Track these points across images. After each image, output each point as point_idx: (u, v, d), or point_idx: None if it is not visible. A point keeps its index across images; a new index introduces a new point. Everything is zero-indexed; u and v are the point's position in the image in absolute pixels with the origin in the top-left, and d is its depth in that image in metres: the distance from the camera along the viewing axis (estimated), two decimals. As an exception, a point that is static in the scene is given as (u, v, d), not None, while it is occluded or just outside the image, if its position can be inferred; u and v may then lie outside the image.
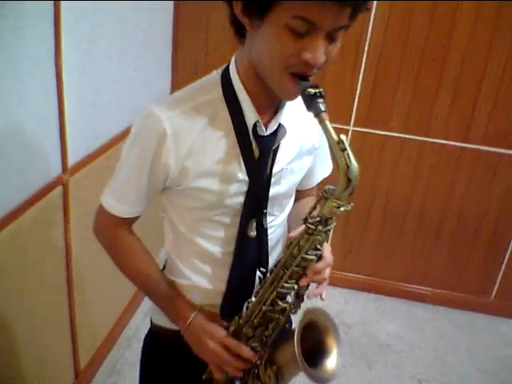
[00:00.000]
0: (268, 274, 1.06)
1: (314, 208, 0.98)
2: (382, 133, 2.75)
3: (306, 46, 0.87)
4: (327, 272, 1.07)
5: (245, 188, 1.04)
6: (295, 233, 1.02)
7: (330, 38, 0.89)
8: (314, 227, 0.96)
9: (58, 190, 1.75)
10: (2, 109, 1.41)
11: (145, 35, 2.32)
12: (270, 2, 0.84)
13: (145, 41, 2.33)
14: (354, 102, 2.71)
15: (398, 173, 2.84)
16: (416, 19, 2.51)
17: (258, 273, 1.13)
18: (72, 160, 1.81)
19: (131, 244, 1.15)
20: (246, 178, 1.03)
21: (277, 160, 1.06)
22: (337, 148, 0.86)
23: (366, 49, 2.60)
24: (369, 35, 2.56)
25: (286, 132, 1.05)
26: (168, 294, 1.14)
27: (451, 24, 2.48)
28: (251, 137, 1.02)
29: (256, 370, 1.11)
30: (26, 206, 1.57)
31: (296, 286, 1.03)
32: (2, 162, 1.45)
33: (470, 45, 2.51)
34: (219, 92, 1.02)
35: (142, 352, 1.32)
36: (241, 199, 1.05)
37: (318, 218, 0.95)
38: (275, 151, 1.06)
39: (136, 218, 1.13)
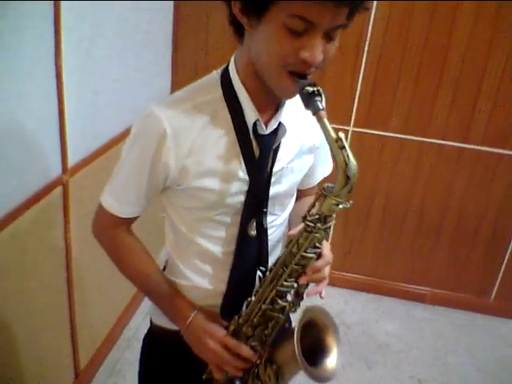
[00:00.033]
0: (267, 273, 1.06)
1: (313, 206, 0.98)
2: (382, 133, 2.76)
3: (304, 44, 0.87)
4: (327, 270, 1.08)
5: (245, 187, 1.04)
6: (294, 231, 1.02)
7: (328, 37, 0.89)
8: (313, 225, 0.96)
9: (58, 190, 1.75)
10: (2, 109, 1.41)
11: (145, 35, 2.32)
12: (268, 2, 0.85)
13: (145, 41, 2.33)
14: (353, 102, 2.71)
15: (397, 173, 2.84)
16: (416, 19, 2.51)
17: (258, 272, 1.13)
18: (72, 160, 1.81)
19: (130, 244, 1.15)
20: (247, 178, 1.03)
21: (277, 159, 1.07)
22: (335, 146, 0.86)
23: (365, 49, 2.60)
24: (369, 35, 2.57)
25: (286, 131, 1.05)
26: (168, 294, 1.14)
27: (451, 24, 2.49)
28: (251, 136, 1.02)
29: (256, 370, 1.11)
30: (26, 206, 1.57)
31: (295, 285, 1.03)
32: (2, 162, 1.45)
33: (470, 45, 2.51)
34: (219, 91, 1.02)
35: (142, 352, 1.32)
36: (241, 198, 1.05)
37: (316, 216, 0.96)
38: (276, 150, 1.06)
39: (135, 218, 1.13)
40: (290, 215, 1.22)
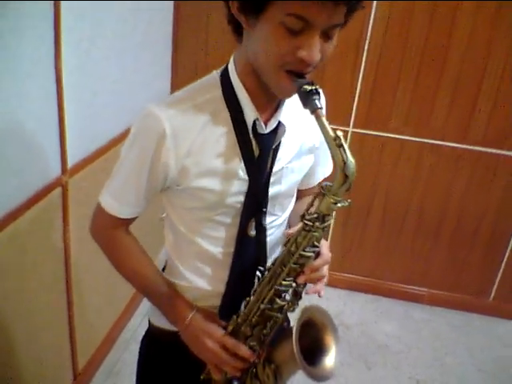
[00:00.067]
0: (266, 272, 1.06)
1: (311, 205, 0.98)
2: (382, 134, 2.76)
3: (302, 43, 0.87)
4: (325, 269, 1.08)
5: (245, 187, 1.04)
6: (293, 230, 1.02)
7: (326, 36, 0.89)
8: (311, 224, 0.96)
9: (58, 191, 1.75)
10: (2, 109, 1.41)
11: (144, 36, 2.33)
12: (265, 1, 0.85)
13: (144, 42, 2.34)
14: (353, 103, 2.71)
15: (397, 174, 2.84)
16: (416, 19, 2.51)
17: (257, 272, 1.13)
18: (71, 161, 1.81)
19: (129, 245, 1.15)
20: (246, 177, 1.03)
21: (277, 159, 1.07)
22: (333, 144, 0.87)
23: (365, 49, 2.60)
24: (368, 35, 2.57)
25: (285, 130, 1.05)
26: (166, 295, 1.14)
27: (451, 24, 2.49)
28: (251, 135, 1.02)
29: (254, 369, 1.11)
30: (26, 206, 1.57)
31: (294, 284, 1.03)
32: (1, 162, 1.45)
33: (470, 45, 2.51)
34: (218, 91, 1.02)
35: (140, 353, 1.32)
36: (241, 199, 1.05)
37: (315, 215, 0.96)
38: (275, 150, 1.06)
39: (134, 219, 1.13)
40: (290, 215, 1.22)
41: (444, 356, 2.70)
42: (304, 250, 0.99)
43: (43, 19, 1.53)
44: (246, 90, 1.00)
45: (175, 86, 2.81)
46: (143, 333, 1.32)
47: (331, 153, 0.88)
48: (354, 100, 2.70)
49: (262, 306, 1.04)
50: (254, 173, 1.03)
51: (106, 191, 1.10)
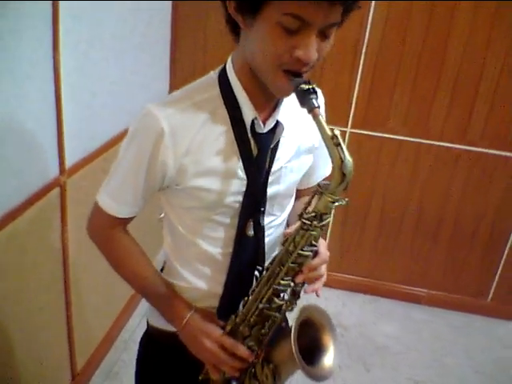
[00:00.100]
0: (264, 272, 1.06)
1: (309, 204, 0.98)
2: (380, 134, 2.76)
3: (298, 43, 0.87)
4: (323, 268, 1.08)
5: (244, 187, 1.04)
6: (290, 229, 1.02)
7: (323, 35, 0.90)
8: (309, 223, 0.96)
9: (56, 191, 1.75)
10: (0, 110, 1.42)
11: (143, 37, 2.33)
12: (262, 0, 0.85)
13: (142, 43, 2.34)
14: (351, 103, 2.72)
15: (395, 174, 2.84)
16: (414, 21, 2.52)
17: (255, 272, 1.13)
18: (69, 162, 1.81)
19: (127, 245, 1.15)
20: (245, 177, 1.03)
21: (276, 158, 1.07)
22: (331, 143, 0.87)
23: (363, 50, 2.61)
24: (366, 37, 2.57)
25: (283, 129, 1.05)
26: (164, 295, 1.14)
27: (449, 26, 2.50)
28: (249, 134, 1.02)
29: (253, 369, 1.11)
30: (24, 207, 1.57)
31: (292, 283, 1.03)
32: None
33: (468, 46, 2.52)
34: (216, 91, 1.02)
35: (138, 354, 1.32)
36: (240, 198, 1.05)
37: (313, 214, 0.96)
38: (274, 149, 1.06)
39: (131, 219, 1.13)
40: (289, 214, 1.22)
41: (443, 357, 2.69)
42: (302, 249, 0.99)
43: (42, 20, 1.53)
44: (244, 89, 1.00)
45: (174, 86, 2.81)
46: (142, 333, 1.32)
47: (329, 151, 0.88)
48: (352, 100, 2.71)
49: (261, 306, 1.04)
50: (253, 172, 1.03)
51: (103, 190, 1.09)
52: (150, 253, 1.19)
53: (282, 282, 1.02)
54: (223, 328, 1.10)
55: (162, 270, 1.23)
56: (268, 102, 1.03)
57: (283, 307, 1.06)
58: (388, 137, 2.76)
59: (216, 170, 1.02)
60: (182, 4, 2.66)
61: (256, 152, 1.03)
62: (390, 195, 2.90)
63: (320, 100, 1.13)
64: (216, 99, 1.02)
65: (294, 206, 1.23)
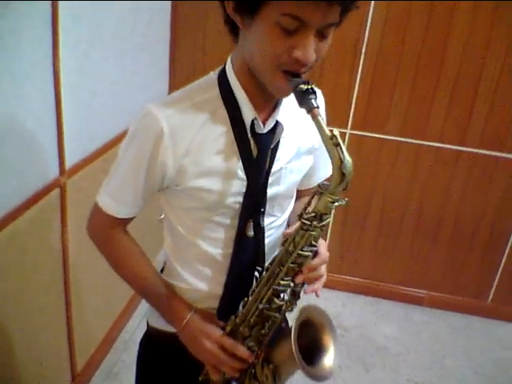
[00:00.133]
0: (264, 272, 1.06)
1: (309, 204, 0.98)
2: (379, 136, 2.76)
3: (297, 43, 0.87)
4: (323, 268, 1.08)
5: (244, 187, 1.04)
6: (290, 229, 1.02)
7: (321, 35, 0.90)
8: (309, 223, 0.96)
9: (56, 192, 1.75)
10: (0, 110, 1.42)
11: (142, 37, 2.33)
12: (260, 1, 0.85)
13: (142, 43, 2.34)
14: (351, 105, 2.72)
15: (394, 176, 2.85)
16: (413, 22, 2.52)
17: (255, 273, 1.13)
18: (69, 162, 1.81)
19: (127, 245, 1.15)
20: (245, 177, 1.03)
21: (276, 159, 1.07)
22: (330, 143, 0.87)
23: (363, 52, 2.61)
24: (366, 38, 2.58)
25: (283, 129, 1.05)
26: (164, 296, 1.13)
27: (448, 27, 2.50)
28: (249, 135, 1.02)
29: (253, 370, 1.11)
30: (24, 207, 1.57)
31: (292, 284, 1.03)
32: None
33: (467, 48, 2.52)
34: (216, 91, 1.02)
35: (138, 355, 1.32)
36: (240, 199, 1.05)
37: (313, 214, 0.96)
38: (274, 150, 1.06)
39: (131, 219, 1.13)
40: (289, 215, 1.22)
41: (443, 358, 2.69)
42: (302, 250, 0.99)
43: (42, 20, 1.53)
44: (244, 89, 1.01)
45: (173, 86, 2.81)
46: (142, 334, 1.32)
47: (328, 152, 0.88)
48: (351, 102, 2.71)
49: (261, 306, 1.04)
50: (253, 173, 1.03)
51: (103, 191, 1.10)
52: (150, 253, 1.19)
53: (282, 282, 1.02)
54: (223, 329, 1.10)
55: (161, 270, 1.23)
56: (267, 103, 1.03)
57: (283, 307, 1.06)
58: (388, 138, 2.76)
59: (216, 170, 1.02)
60: (182, 4, 2.66)
61: (256, 152, 1.03)
62: (389, 196, 2.90)
63: (320, 100, 1.14)
64: (216, 100, 1.02)
65: (294, 206, 1.23)
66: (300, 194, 1.26)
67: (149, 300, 1.18)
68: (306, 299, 1.08)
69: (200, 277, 1.15)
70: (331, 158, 0.88)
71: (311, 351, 1.05)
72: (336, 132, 0.86)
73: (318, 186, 0.95)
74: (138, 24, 2.25)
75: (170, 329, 1.15)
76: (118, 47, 2.08)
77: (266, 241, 1.13)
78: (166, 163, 1.00)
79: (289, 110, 1.07)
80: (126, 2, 2.07)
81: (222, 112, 1.01)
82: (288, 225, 1.21)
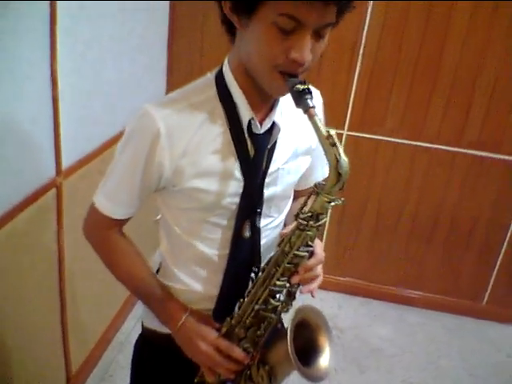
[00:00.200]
0: (260, 273, 1.06)
1: (305, 204, 0.99)
2: (376, 137, 2.77)
3: (293, 44, 0.88)
4: (319, 269, 1.08)
5: (241, 188, 1.04)
6: (287, 229, 1.02)
7: (318, 35, 0.90)
8: (305, 223, 0.97)
9: (52, 192, 1.74)
10: (-2, 110, 1.42)
11: (140, 39, 2.33)
12: (257, 1, 0.86)
13: (139, 44, 2.34)
14: (348, 106, 2.72)
15: (391, 177, 2.85)
16: (411, 24, 2.53)
17: (251, 274, 1.13)
18: (66, 163, 1.80)
19: (123, 246, 1.15)
20: (242, 178, 1.03)
21: (273, 160, 1.07)
22: (326, 143, 0.87)
23: (360, 54, 2.61)
24: (364, 39, 2.58)
25: (280, 130, 1.06)
26: (159, 296, 1.13)
27: (445, 29, 2.51)
28: (246, 135, 1.02)
29: (248, 371, 1.11)
30: (20, 208, 1.56)
31: (288, 284, 1.03)
32: (-4, 163, 1.45)
33: (465, 50, 2.53)
34: (213, 91, 1.02)
35: (133, 355, 1.32)
36: (237, 200, 1.05)
37: (309, 214, 0.96)
38: (271, 150, 1.06)
39: (127, 220, 1.13)
40: (286, 216, 1.22)
41: (438, 359, 2.70)
42: (298, 250, 0.99)
43: (40, 21, 1.53)
44: (241, 89, 1.01)
45: (171, 87, 2.80)
46: (137, 335, 1.32)
47: (324, 151, 0.88)
48: (348, 103, 2.71)
49: (257, 307, 1.04)
50: (250, 173, 1.04)
51: (99, 191, 1.10)
52: (145, 254, 1.19)
53: (278, 282, 1.02)
54: (219, 330, 1.10)
55: (157, 271, 1.23)
56: (264, 103, 1.04)
57: (279, 308, 1.06)
58: (384, 139, 2.76)
59: (213, 170, 1.02)
60: (180, 4, 2.66)
61: (253, 153, 1.03)
62: (386, 197, 2.91)
63: (317, 101, 1.14)
64: (213, 100, 1.02)
65: (291, 206, 1.22)
66: (297, 195, 1.26)
67: (144, 301, 1.17)
68: (301, 300, 1.08)
69: (196, 278, 1.15)
70: (327, 157, 0.88)
71: (307, 352, 1.05)
72: (332, 132, 0.87)
73: (315, 185, 0.95)
74: (135, 25, 2.25)
75: (165, 330, 1.14)
76: (115, 48, 2.08)
77: (263, 242, 1.13)
78: (162, 164, 1.00)
79: (286, 110, 1.07)
80: (123, 2, 2.07)
81: (219, 112, 1.01)
82: (284, 225, 1.21)
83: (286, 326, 1.04)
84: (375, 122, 2.74)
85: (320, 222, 0.97)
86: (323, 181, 0.93)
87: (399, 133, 2.74)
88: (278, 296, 1.06)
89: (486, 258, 2.95)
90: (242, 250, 1.11)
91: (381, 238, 3.01)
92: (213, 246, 1.11)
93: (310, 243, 1.00)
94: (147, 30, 2.42)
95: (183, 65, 2.78)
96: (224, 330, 1.10)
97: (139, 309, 1.43)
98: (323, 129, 0.88)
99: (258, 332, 1.07)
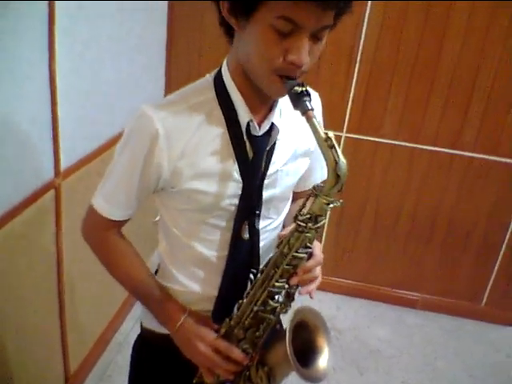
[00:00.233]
0: (259, 274, 1.06)
1: (304, 205, 0.99)
2: (375, 139, 2.77)
3: (291, 46, 0.88)
4: (318, 270, 1.08)
5: (239, 189, 1.04)
6: (285, 231, 1.02)
7: (315, 38, 0.90)
8: (304, 224, 0.97)
9: (51, 193, 1.74)
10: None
11: (139, 39, 2.33)
12: (256, 2, 0.86)
13: (138, 44, 2.34)
14: (346, 108, 2.73)
15: (389, 179, 2.86)
16: (409, 26, 2.53)
17: (250, 275, 1.13)
18: (65, 164, 1.80)
19: (121, 247, 1.15)
20: (241, 179, 1.03)
21: (272, 161, 1.07)
22: (325, 145, 0.87)
23: (358, 56, 2.62)
24: (361, 43, 2.59)
25: (278, 131, 1.06)
26: (158, 297, 1.13)
27: (443, 31, 2.51)
28: (245, 137, 1.02)
29: (247, 372, 1.11)
30: (18, 209, 1.56)
31: (287, 286, 1.03)
32: (-7, 164, 1.45)
33: (462, 52, 2.53)
34: (212, 93, 1.02)
35: (132, 356, 1.31)
36: (235, 201, 1.05)
37: (308, 215, 0.96)
38: (270, 152, 1.06)
39: (126, 221, 1.13)
40: (285, 217, 1.22)
41: (435, 361, 2.70)
42: (297, 251, 0.99)
43: (39, 21, 1.53)
44: (239, 91, 1.01)
45: (169, 88, 2.81)
46: (135, 336, 1.31)
47: (323, 153, 0.88)
48: (347, 105, 2.72)
49: (255, 308, 1.04)
50: (248, 175, 1.04)
51: (98, 193, 1.10)
52: (144, 255, 1.19)
53: (277, 284, 1.02)
54: (217, 331, 1.10)
55: (155, 272, 1.23)
56: (263, 104, 1.04)
57: (278, 309, 1.06)
58: (383, 141, 2.77)
59: (212, 172, 1.02)
60: (178, 4, 2.66)
61: (252, 155, 1.03)
62: (384, 199, 2.91)
63: (316, 103, 1.14)
64: (211, 102, 1.02)
65: (289, 208, 1.23)
66: (296, 196, 1.26)
67: (142, 302, 1.17)
68: (300, 301, 1.08)
69: (194, 279, 1.15)
70: (326, 159, 0.88)
71: (305, 353, 1.05)
72: (331, 134, 0.87)
73: (313, 187, 0.95)
74: (134, 25, 2.25)
75: (163, 330, 1.14)
76: (114, 48, 2.08)
77: (262, 243, 1.13)
78: (161, 165, 1.00)
79: (285, 112, 1.07)
80: (122, 2, 2.07)
81: (218, 114, 1.01)
82: (283, 226, 1.22)
83: (284, 327, 1.04)
84: (373, 124, 2.74)
85: (319, 224, 0.97)
86: (322, 183, 0.94)
87: (397, 135, 2.75)
88: (276, 297, 1.06)
89: (484, 260, 2.95)
90: (241, 251, 1.11)
91: (379, 239, 3.01)
92: (211, 247, 1.11)
93: (308, 245, 1.00)
94: (146, 30, 2.42)
95: (182, 65, 2.78)
96: (223, 330, 1.09)
97: (138, 309, 1.44)
98: (321, 131, 0.88)
99: (257, 333, 1.07)
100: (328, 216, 0.98)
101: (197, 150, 1.00)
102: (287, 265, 1.01)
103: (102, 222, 1.10)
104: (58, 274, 1.87)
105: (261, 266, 1.10)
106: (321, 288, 1.11)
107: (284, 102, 1.03)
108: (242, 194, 1.05)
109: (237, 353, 1.07)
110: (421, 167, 2.80)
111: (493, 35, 2.48)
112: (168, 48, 2.75)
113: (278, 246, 1.02)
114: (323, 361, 1.05)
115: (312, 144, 1.14)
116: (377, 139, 2.77)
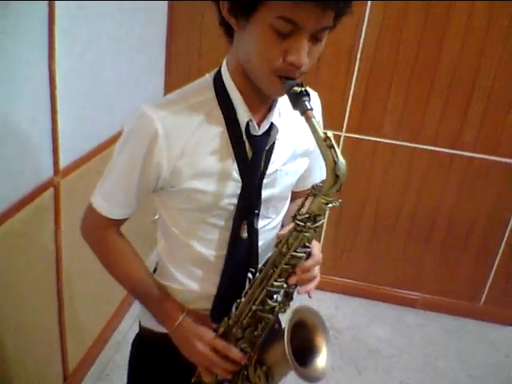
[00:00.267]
0: (257, 274, 1.06)
1: (303, 205, 0.99)
2: (374, 139, 2.77)
3: (290, 47, 0.88)
4: (316, 270, 1.08)
5: (238, 189, 1.04)
6: (284, 231, 1.02)
7: (315, 39, 0.90)
8: (302, 224, 0.97)
9: (50, 192, 1.74)
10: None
11: (139, 39, 2.33)
12: (256, 2, 0.86)
13: (138, 44, 2.34)
14: (346, 108, 2.73)
15: (389, 178, 2.86)
16: (408, 27, 2.53)
17: (248, 274, 1.13)
18: (64, 162, 1.80)
19: (120, 246, 1.15)
20: (240, 179, 1.04)
21: (271, 161, 1.07)
22: (324, 145, 0.87)
23: (358, 55, 2.62)
24: (361, 42, 2.59)
25: (278, 131, 1.06)
26: (157, 296, 1.13)
27: (443, 31, 2.51)
28: (244, 136, 1.02)
29: (246, 372, 1.11)
30: (17, 207, 1.56)
31: (285, 285, 1.03)
32: (-7, 162, 1.45)
33: (462, 52, 2.54)
34: (212, 93, 1.03)
35: (131, 355, 1.31)
36: (234, 201, 1.05)
37: (306, 215, 0.96)
38: (269, 152, 1.06)
39: (125, 220, 1.13)
40: (284, 217, 1.22)
41: (435, 360, 2.70)
42: (295, 251, 0.99)
43: (38, 21, 1.53)
44: (239, 91, 1.01)
45: (169, 87, 2.81)
46: (134, 335, 1.31)
47: (322, 153, 0.88)
48: (346, 105, 2.72)
49: (254, 308, 1.04)
50: (248, 174, 1.04)
51: (97, 191, 1.10)
52: (142, 254, 1.19)
53: (275, 283, 1.02)
54: (216, 330, 1.10)
55: (154, 271, 1.23)
56: (262, 104, 1.04)
57: (276, 309, 1.06)
58: (382, 141, 2.77)
59: (211, 171, 1.02)
60: (178, 4, 2.66)
61: (251, 154, 1.03)
62: (383, 199, 2.91)
63: (316, 103, 1.14)
64: (211, 101, 1.02)
65: (288, 208, 1.23)
66: (295, 196, 1.26)
67: (141, 301, 1.17)
68: (299, 300, 1.08)
69: (193, 278, 1.15)
70: (325, 159, 0.88)
71: (304, 352, 1.05)
72: (330, 134, 0.87)
73: (312, 187, 0.95)
74: (134, 25, 2.25)
75: (162, 329, 1.14)
76: (113, 48, 2.08)
77: (260, 243, 1.13)
78: (160, 164, 1.00)
79: (285, 111, 1.07)
80: (122, 2, 2.07)
81: (217, 114, 1.02)
82: (282, 226, 1.22)
83: (283, 326, 1.04)
84: (373, 123, 2.75)
85: (317, 224, 0.97)
86: (321, 182, 0.94)
87: (397, 135, 2.75)
88: (275, 296, 1.06)
89: (483, 259, 2.95)
90: (240, 250, 1.11)
91: (379, 239, 3.01)
92: (210, 246, 1.11)
93: (307, 244, 1.00)
94: (145, 30, 2.42)
95: (181, 65, 2.78)
96: (221, 330, 1.10)
97: (136, 308, 1.44)
98: (320, 131, 0.88)
99: (256, 332, 1.07)
100: (327, 215, 0.98)
101: (196, 150, 1.00)
102: (286, 264, 1.01)
103: (101, 220, 1.10)
104: (56, 272, 1.87)
105: (259, 266, 1.10)
106: (319, 287, 1.11)
107: (283, 102, 1.03)
108: (241, 193, 1.05)
109: (235, 352, 1.07)
110: (420, 167, 2.80)
111: (493, 35, 2.48)
112: (168, 48, 2.75)
113: (276, 246, 1.02)
114: (322, 360, 1.05)
115: (311, 144, 1.14)
116: (376, 139, 2.77)
